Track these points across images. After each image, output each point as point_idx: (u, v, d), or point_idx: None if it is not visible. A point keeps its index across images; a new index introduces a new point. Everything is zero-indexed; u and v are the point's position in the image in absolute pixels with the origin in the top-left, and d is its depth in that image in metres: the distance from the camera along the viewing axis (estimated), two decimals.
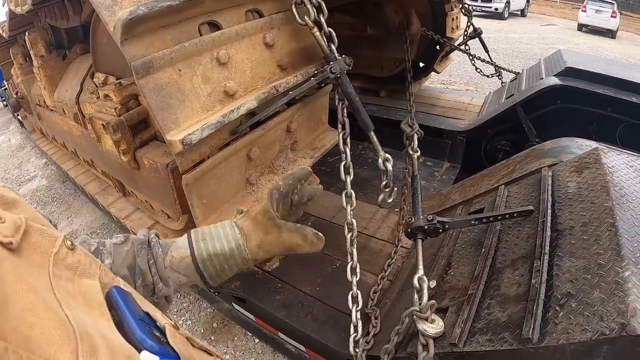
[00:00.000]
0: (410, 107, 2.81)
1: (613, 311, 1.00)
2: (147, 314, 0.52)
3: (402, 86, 3.45)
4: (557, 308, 1.15)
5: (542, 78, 3.36)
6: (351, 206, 1.67)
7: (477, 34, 4.09)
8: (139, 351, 0.43)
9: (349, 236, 1.68)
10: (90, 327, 0.38)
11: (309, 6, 1.61)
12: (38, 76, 3.12)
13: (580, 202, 1.49)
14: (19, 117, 5.40)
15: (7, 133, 6.20)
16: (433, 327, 1.34)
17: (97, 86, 2.24)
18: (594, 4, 18.24)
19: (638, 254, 1.14)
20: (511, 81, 4.03)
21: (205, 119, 1.38)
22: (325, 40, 1.66)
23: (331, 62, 1.62)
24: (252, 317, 2.32)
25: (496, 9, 19.60)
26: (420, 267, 1.52)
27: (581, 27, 18.51)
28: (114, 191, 2.99)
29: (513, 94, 3.52)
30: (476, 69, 4.23)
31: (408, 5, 3.67)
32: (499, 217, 1.66)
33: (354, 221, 1.67)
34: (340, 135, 1.69)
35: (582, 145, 1.95)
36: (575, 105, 3.11)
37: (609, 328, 0.97)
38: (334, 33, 1.67)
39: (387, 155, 1.64)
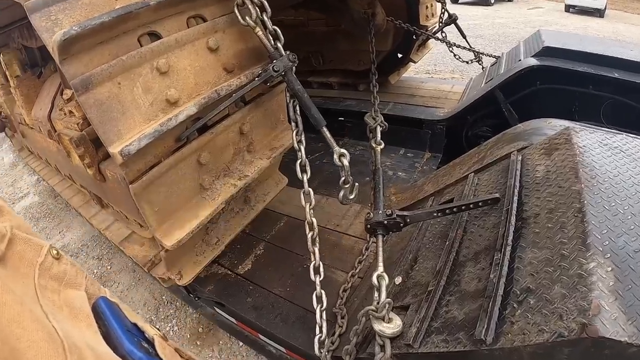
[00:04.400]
0: (374, 99, 2.76)
1: (574, 309, 0.92)
2: (135, 325, 0.52)
3: (381, 78, 3.39)
4: (515, 305, 1.08)
5: (520, 60, 3.26)
6: (310, 204, 1.64)
7: (452, 20, 4.01)
8: None
9: (309, 235, 1.67)
10: (78, 339, 0.38)
11: (250, 6, 1.59)
12: (15, 96, 3.13)
13: (548, 186, 1.41)
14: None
15: (0, 152, 6.24)
16: (390, 327, 1.31)
17: (65, 102, 2.24)
18: None
19: (606, 242, 1.05)
20: (492, 65, 3.93)
21: (145, 129, 1.38)
22: (271, 38, 1.64)
23: (274, 60, 1.60)
24: (233, 320, 2.30)
25: None
26: (380, 263, 1.48)
27: (569, 8, 18.29)
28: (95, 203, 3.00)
29: (493, 78, 3.41)
30: (454, 55, 4.14)
31: None
32: (463, 207, 1.59)
33: (314, 220, 1.65)
34: (294, 133, 1.66)
35: (554, 126, 1.86)
36: (555, 85, 3.03)
37: (567, 329, 0.90)
38: (279, 31, 1.64)
39: (343, 150, 1.60)
